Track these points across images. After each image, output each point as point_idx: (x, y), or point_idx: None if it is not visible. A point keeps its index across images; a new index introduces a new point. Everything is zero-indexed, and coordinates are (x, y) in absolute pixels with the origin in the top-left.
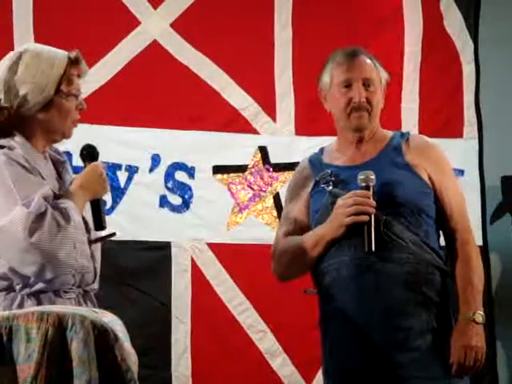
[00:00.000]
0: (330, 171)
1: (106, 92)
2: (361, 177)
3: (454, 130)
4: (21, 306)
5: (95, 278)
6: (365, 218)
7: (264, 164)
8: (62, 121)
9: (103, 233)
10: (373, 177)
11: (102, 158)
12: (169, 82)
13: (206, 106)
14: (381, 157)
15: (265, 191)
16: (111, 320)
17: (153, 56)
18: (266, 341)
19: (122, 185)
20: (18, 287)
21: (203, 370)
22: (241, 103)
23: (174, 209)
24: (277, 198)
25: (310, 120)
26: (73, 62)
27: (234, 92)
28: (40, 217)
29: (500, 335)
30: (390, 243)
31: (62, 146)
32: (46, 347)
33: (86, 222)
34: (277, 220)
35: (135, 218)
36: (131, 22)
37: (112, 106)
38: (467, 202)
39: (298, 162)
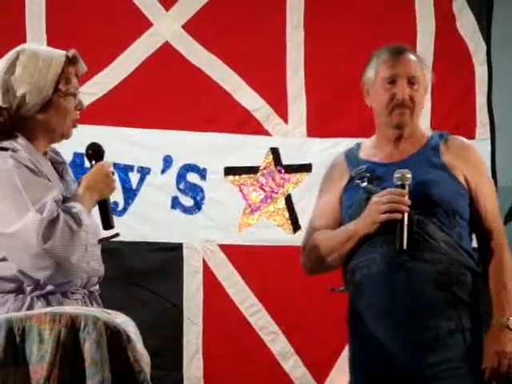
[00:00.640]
0: (365, 167)
1: (118, 93)
2: (397, 175)
3: (466, 131)
4: (30, 308)
5: (99, 279)
6: (398, 215)
7: (276, 165)
8: (61, 120)
9: (107, 233)
10: (409, 175)
11: (114, 159)
12: (181, 84)
13: (217, 107)
14: (418, 156)
15: (276, 193)
16: (124, 321)
17: (165, 57)
18: (277, 342)
19: (134, 186)
20: (28, 289)
21: (215, 371)
22: (252, 105)
23: (186, 210)
24: (288, 199)
25: (321, 121)
26: (70, 61)
27: (245, 93)
28: (53, 222)
29: None
30: (422, 243)
31: (73, 148)
32: (59, 348)
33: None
34: (288, 221)
35: (147, 220)
36: (143, 24)
37: (124, 108)
38: None
39: (309, 164)
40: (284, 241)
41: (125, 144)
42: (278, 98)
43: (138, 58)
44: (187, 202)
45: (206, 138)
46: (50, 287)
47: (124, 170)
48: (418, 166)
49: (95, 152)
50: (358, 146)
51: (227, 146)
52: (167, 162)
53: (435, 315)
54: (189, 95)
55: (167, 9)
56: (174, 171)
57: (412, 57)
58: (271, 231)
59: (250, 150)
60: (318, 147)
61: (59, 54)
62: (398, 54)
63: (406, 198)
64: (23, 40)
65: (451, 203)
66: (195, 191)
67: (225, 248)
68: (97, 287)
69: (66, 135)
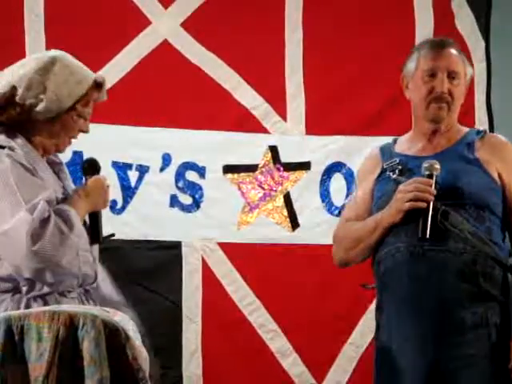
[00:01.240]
0: (398, 159)
1: (117, 92)
2: (425, 165)
3: None
4: (27, 308)
5: (95, 279)
6: (423, 204)
7: (274, 163)
8: (62, 135)
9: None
10: (437, 166)
11: (112, 157)
12: (179, 82)
13: (216, 105)
14: (452, 150)
15: (275, 191)
16: (122, 319)
17: (163, 56)
18: (276, 340)
19: (133, 184)
20: (24, 289)
21: (214, 369)
22: (251, 103)
23: (185, 208)
24: (287, 197)
25: (320, 120)
26: (96, 86)
27: (244, 92)
28: (43, 223)
29: None
30: (447, 233)
31: (72, 146)
32: (58, 347)
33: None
34: (287, 219)
35: (146, 218)
36: (142, 22)
37: (123, 106)
38: None
39: (308, 162)
40: (283, 239)
41: (123, 142)
42: (276, 96)
43: (137, 56)
44: (186, 200)
45: (204, 136)
46: (46, 288)
47: (123, 168)
48: (450, 160)
49: (92, 166)
50: (395, 140)
51: (226, 144)
52: (166, 160)
53: (459, 307)
54: (187, 93)
55: (166, 7)
56: (172, 169)
57: (454, 51)
58: (270, 229)
59: (248, 148)
60: (317, 145)
61: (89, 75)
62: (439, 48)
63: (432, 188)
64: (21, 35)
65: (481, 197)
66: (194, 189)
67: (224, 246)
68: (95, 285)
69: (60, 150)
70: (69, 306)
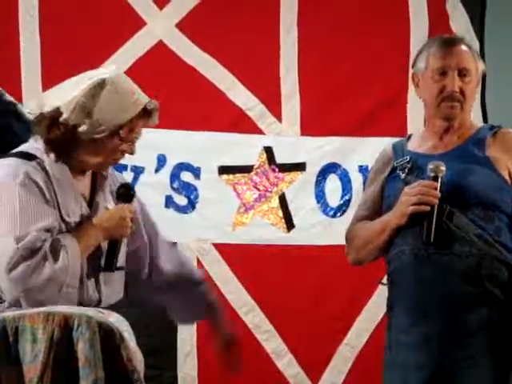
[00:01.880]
0: (408, 158)
1: None
2: (430, 167)
3: None
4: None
5: (99, 304)
6: (426, 208)
7: (270, 164)
8: (105, 156)
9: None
10: (443, 168)
11: None
12: (174, 83)
13: (211, 106)
14: (462, 148)
15: (270, 192)
16: (117, 320)
17: (158, 56)
18: (272, 341)
19: None
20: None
21: (209, 370)
22: (246, 104)
23: (180, 209)
24: (282, 198)
25: (315, 120)
26: (146, 113)
27: (239, 92)
28: (31, 253)
29: None
30: (452, 236)
31: None
32: (52, 348)
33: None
34: (282, 220)
35: None
36: (137, 23)
37: None
38: None
39: (303, 163)
40: (278, 240)
41: None
42: (271, 97)
43: (132, 57)
44: (181, 201)
45: (199, 136)
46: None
47: (117, 169)
48: (459, 159)
49: (126, 193)
50: (408, 137)
51: (221, 145)
52: (161, 160)
53: (463, 309)
54: (182, 94)
55: (161, 8)
56: (167, 170)
57: (464, 48)
58: (265, 230)
59: (243, 148)
60: (312, 146)
61: (138, 103)
62: (449, 45)
63: (437, 191)
64: (15, 36)
65: (489, 197)
66: (189, 190)
67: (219, 247)
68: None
69: (102, 169)
70: (63, 307)
